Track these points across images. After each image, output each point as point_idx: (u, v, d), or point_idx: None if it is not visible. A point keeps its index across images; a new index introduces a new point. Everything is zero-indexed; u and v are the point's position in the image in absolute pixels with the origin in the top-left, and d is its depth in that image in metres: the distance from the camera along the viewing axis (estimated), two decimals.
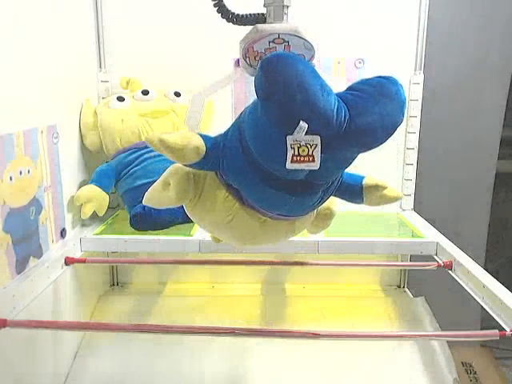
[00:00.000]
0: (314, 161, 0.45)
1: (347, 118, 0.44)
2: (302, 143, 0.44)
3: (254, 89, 0.45)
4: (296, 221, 0.58)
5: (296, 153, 0.44)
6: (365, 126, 0.44)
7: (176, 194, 0.54)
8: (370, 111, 0.45)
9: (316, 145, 0.44)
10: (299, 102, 0.43)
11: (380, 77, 0.47)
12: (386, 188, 0.58)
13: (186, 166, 0.53)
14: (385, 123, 0.45)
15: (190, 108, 0.58)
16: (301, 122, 0.43)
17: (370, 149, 0.47)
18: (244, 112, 0.51)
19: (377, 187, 0.58)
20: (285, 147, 0.44)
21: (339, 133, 0.44)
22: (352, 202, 0.60)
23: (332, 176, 0.52)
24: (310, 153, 0.44)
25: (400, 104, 0.46)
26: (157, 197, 0.60)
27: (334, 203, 0.62)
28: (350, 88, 0.47)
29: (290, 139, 0.44)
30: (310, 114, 0.43)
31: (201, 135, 0.51)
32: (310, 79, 0.43)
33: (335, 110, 0.43)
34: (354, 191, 0.58)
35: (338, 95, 0.45)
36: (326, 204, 0.60)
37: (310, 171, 0.47)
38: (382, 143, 0.46)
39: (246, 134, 0.49)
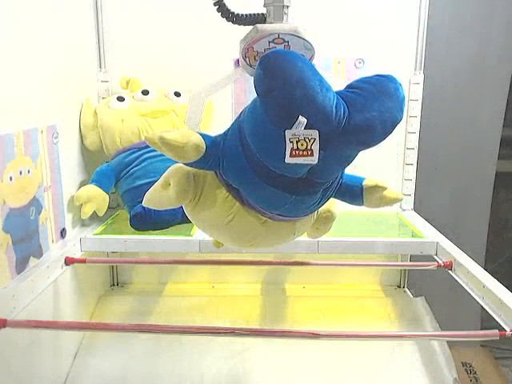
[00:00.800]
0: (312, 155, 0.45)
1: (346, 114, 0.44)
2: (301, 137, 0.44)
3: (253, 89, 0.45)
4: (296, 222, 0.58)
5: (295, 147, 0.44)
6: (364, 123, 0.44)
7: (176, 194, 0.54)
8: (369, 108, 0.45)
9: (314, 139, 0.44)
10: (298, 98, 0.43)
11: (379, 75, 0.47)
12: (385, 189, 0.59)
13: (186, 164, 0.53)
14: (384, 120, 0.45)
15: (189, 108, 0.58)
16: (300, 116, 0.43)
17: (369, 146, 0.47)
18: (244, 111, 0.51)
19: (376, 188, 0.58)
20: (284, 142, 0.44)
21: (338, 129, 0.44)
22: (352, 203, 0.60)
23: (332, 174, 0.52)
24: (309, 147, 0.44)
25: (399, 102, 0.46)
26: (157, 197, 0.60)
27: (335, 206, 0.62)
28: (349, 86, 0.47)
29: (288, 133, 0.44)
30: (309, 109, 0.43)
31: (200, 134, 0.51)
32: (308, 75, 0.43)
33: (334, 106, 0.44)
34: (355, 192, 0.58)
35: (338, 93, 0.45)
36: (326, 206, 0.60)
37: (310, 169, 0.47)
38: (381, 141, 0.46)
39: (245, 131, 0.49)
